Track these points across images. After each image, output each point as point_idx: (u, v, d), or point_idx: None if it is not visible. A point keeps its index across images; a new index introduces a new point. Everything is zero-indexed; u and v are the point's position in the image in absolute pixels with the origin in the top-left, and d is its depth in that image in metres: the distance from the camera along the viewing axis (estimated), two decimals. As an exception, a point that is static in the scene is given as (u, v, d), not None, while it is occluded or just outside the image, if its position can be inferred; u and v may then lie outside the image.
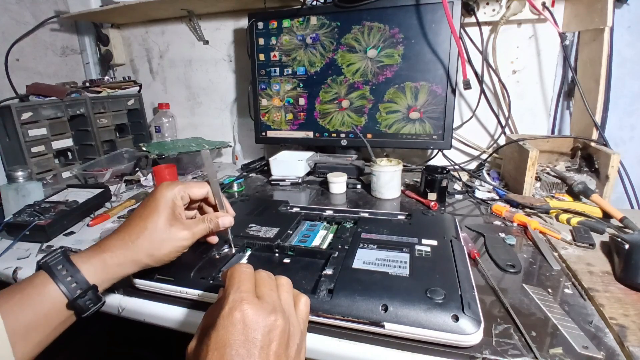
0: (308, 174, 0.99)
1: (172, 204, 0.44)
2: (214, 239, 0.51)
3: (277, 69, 1.01)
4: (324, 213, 0.65)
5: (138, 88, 1.29)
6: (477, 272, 0.50)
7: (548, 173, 0.79)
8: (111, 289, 0.49)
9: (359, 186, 0.89)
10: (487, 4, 0.91)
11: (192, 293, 0.44)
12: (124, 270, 0.41)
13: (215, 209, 0.51)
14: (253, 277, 0.33)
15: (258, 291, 0.31)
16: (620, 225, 0.61)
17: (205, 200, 0.50)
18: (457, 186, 0.87)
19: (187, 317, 0.44)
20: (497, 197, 0.78)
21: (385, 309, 0.38)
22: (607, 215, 0.64)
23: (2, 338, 0.33)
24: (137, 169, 1.06)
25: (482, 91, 0.97)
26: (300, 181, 0.94)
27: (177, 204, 0.45)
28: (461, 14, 0.85)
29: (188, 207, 0.49)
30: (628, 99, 0.90)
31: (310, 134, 1.03)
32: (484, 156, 1.00)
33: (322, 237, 0.57)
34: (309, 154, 1.02)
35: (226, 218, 0.48)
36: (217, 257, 0.51)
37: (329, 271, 0.45)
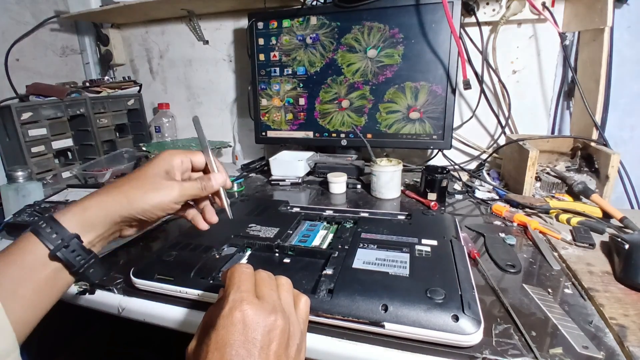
0: (308, 174, 0.99)
1: (169, 166, 0.43)
2: (204, 225, 0.46)
3: (277, 69, 1.01)
4: (324, 213, 0.65)
5: (138, 88, 1.29)
6: (477, 272, 0.50)
7: (548, 173, 0.79)
8: (111, 289, 0.49)
9: (359, 186, 0.89)
10: (487, 4, 0.91)
11: (192, 293, 0.44)
12: (104, 212, 0.39)
13: None
14: (253, 277, 0.33)
15: (258, 291, 0.31)
16: (620, 225, 0.61)
17: (205, 171, 0.47)
18: (457, 186, 0.87)
19: (187, 317, 0.44)
20: (497, 197, 0.78)
21: (385, 309, 0.38)
22: (607, 215, 0.64)
23: None
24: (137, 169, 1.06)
25: (482, 91, 0.97)
26: (300, 181, 0.94)
27: (174, 165, 0.43)
28: (461, 14, 0.85)
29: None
30: (628, 99, 0.90)
31: (310, 134, 1.03)
32: (484, 156, 1.00)
33: (322, 237, 0.57)
34: (309, 154, 1.02)
35: (219, 175, 0.44)
36: (217, 257, 0.51)
37: (329, 271, 0.45)
